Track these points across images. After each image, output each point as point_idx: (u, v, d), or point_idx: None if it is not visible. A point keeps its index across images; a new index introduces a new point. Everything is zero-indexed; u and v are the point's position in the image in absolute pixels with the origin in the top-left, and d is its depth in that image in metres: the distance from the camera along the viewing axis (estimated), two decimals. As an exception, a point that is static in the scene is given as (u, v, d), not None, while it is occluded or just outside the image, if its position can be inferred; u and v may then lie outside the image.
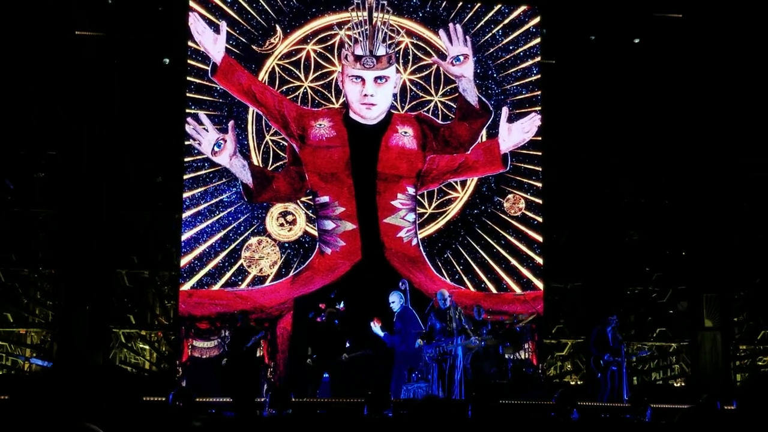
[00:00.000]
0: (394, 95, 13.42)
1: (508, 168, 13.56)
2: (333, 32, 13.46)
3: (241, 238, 12.94)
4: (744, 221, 15.00)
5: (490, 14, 13.97)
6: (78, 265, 13.17)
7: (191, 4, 13.07)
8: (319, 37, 13.50)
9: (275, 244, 12.98)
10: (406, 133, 13.28)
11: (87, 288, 13.07)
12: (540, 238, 13.67)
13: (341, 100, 13.36)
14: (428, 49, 13.74)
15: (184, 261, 12.74)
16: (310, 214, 13.15)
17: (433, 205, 13.57)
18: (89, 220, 13.32)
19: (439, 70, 13.68)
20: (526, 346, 13.30)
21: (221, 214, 12.91)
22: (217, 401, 10.12)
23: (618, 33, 14.34)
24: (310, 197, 13.14)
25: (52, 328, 13.39)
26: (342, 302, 12.12)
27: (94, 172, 13.45)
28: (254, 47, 13.29)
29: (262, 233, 12.98)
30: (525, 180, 13.76)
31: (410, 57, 13.67)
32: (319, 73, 13.48)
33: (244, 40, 13.29)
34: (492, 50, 13.93)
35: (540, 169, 13.81)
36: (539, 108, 13.84)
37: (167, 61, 13.58)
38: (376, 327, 11.91)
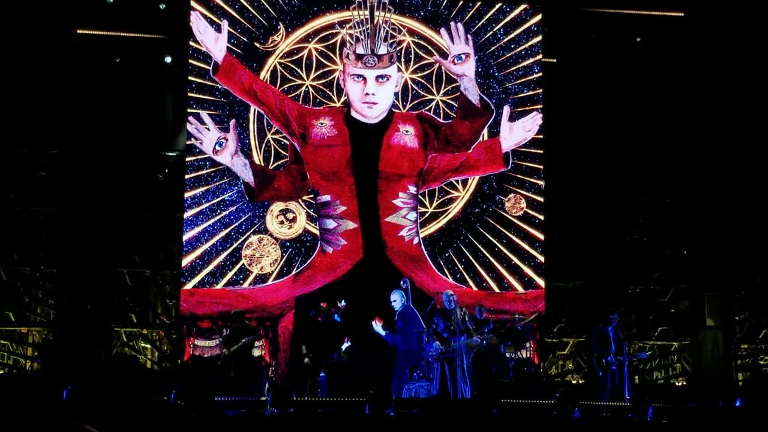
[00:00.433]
0: (396, 94, 13.42)
1: (509, 167, 13.56)
2: (334, 31, 13.46)
3: (243, 237, 12.95)
4: (745, 220, 14.99)
5: (491, 12, 13.96)
6: (79, 264, 13.18)
7: (192, 3, 13.08)
8: (321, 35, 13.50)
9: (276, 242, 12.98)
10: (407, 131, 13.28)
11: (88, 287, 13.09)
12: (542, 237, 13.67)
13: (343, 99, 13.36)
14: (430, 47, 13.74)
15: (186, 260, 12.75)
16: (312, 213, 13.15)
17: (434, 204, 13.56)
18: (91, 219, 13.34)
19: (440, 69, 13.67)
20: (528, 345, 13.30)
21: (223, 214, 12.92)
22: (218, 400, 10.11)
23: (619, 31, 14.32)
24: (312, 196, 13.15)
25: (54, 327, 13.40)
26: (343, 300, 12.11)
27: (95, 171, 13.46)
28: (257, 44, 13.29)
29: (262, 231, 12.99)
30: (526, 178, 13.75)
31: (412, 56, 13.67)
32: (321, 71, 13.48)
33: (245, 39, 13.29)
34: (493, 49, 13.92)
35: (541, 167, 13.81)
36: (540, 106, 13.83)
37: (169, 59, 13.58)
38: (377, 326, 11.90)
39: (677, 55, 14.41)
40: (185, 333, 12.72)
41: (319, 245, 13.05)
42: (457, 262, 13.38)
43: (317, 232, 13.11)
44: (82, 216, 13.31)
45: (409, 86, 13.64)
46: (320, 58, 13.49)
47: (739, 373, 14.80)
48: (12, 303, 13.42)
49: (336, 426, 6.83)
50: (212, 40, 12.93)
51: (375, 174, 13.12)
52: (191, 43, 13.04)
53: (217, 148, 12.77)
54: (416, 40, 13.72)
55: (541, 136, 13.76)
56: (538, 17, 14.10)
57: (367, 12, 13.25)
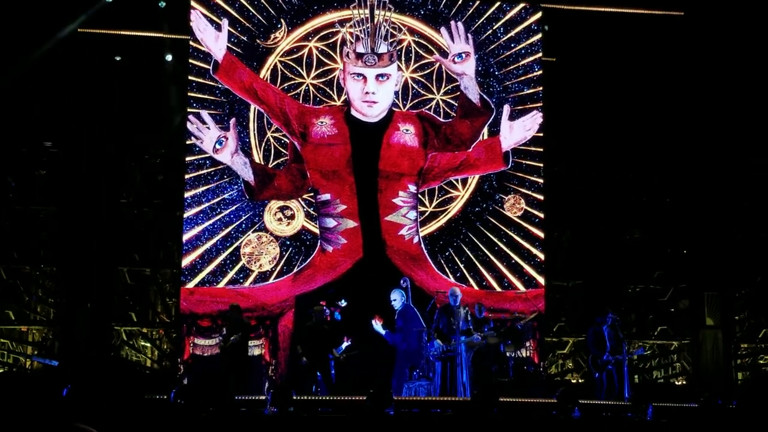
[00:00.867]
0: (396, 93, 13.41)
1: (509, 166, 13.56)
2: (335, 30, 13.45)
3: (244, 236, 12.95)
4: (745, 220, 14.99)
5: (491, 11, 13.96)
6: (79, 263, 13.18)
7: (193, 3, 13.07)
8: (321, 34, 13.50)
9: (274, 239, 12.99)
10: (407, 130, 13.27)
11: (88, 285, 13.09)
12: (542, 235, 13.69)
13: (343, 98, 13.36)
14: (430, 46, 13.73)
15: (187, 260, 12.75)
16: (312, 212, 13.15)
17: (434, 203, 13.56)
18: (91, 218, 13.33)
19: (440, 68, 13.67)
20: (528, 344, 13.30)
21: (223, 213, 12.91)
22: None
23: (619, 30, 14.31)
24: (312, 195, 13.14)
25: (54, 326, 13.40)
26: (343, 300, 12.10)
27: (95, 170, 13.45)
28: (258, 41, 13.29)
29: (261, 229, 12.99)
30: (527, 177, 13.75)
31: (412, 55, 13.66)
32: (321, 70, 13.48)
33: (246, 38, 13.28)
34: (493, 47, 13.92)
35: (541, 165, 13.81)
36: (541, 104, 13.83)
37: (170, 57, 13.58)
38: (377, 325, 11.90)
39: (677, 54, 14.40)
40: (185, 332, 12.72)
41: (319, 244, 13.05)
42: (457, 260, 13.38)
43: (317, 231, 13.10)
44: (82, 215, 13.30)
45: (410, 85, 13.63)
46: (320, 56, 13.49)
47: (739, 373, 14.81)
48: (12, 301, 13.41)
49: (336, 426, 6.83)
50: (212, 38, 12.92)
51: (375, 173, 13.11)
52: (191, 43, 13.04)
53: (217, 146, 12.77)
54: (416, 39, 13.71)
55: (541, 135, 13.76)
56: (538, 15, 14.10)
57: (367, 11, 13.25)
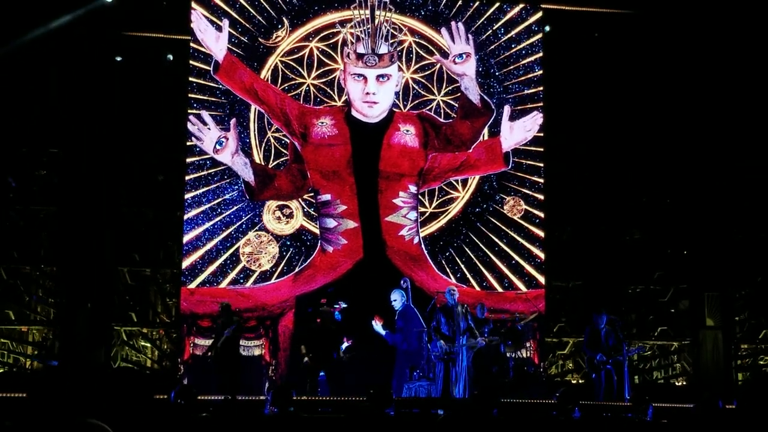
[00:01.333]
0: (396, 94, 13.42)
1: (509, 166, 13.57)
2: (336, 30, 13.46)
3: (244, 237, 12.96)
4: (745, 220, 14.98)
5: (491, 11, 13.97)
6: (79, 263, 13.17)
7: (193, 4, 13.07)
8: (322, 34, 13.50)
9: (273, 239, 12.99)
10: (408, 131, 13.29)
11: (89, 285, 13.08)
12: (542, 233, 13.69)
13: (343, 98, 13.36)
14: (430, 47, 13.74)
15: (188, 261, 12.76)
16: (312, 212, 13.15)
17: (434, 204, 13.57)
18: (91, 218, 13.33)
19: (441, 69, 13.67)
20: (528, 344, 13.31)
21: (224, 214, 12.92)
22: (219, 398, 10.13)
23: (620, 30, 14.31)
24: (312, 195, 13.15)
25: (54, 326, 13.40)
26: (341, 302, 12.11)
27: (95, 170, 13.45)
28: (261, 39, 13.30)
29: (260, 229, 13.00)
30: (527, 176, 13.77)
31: (413, 55, 13.67)
32: (322, 70, 13.49)
33: (246, 38, 13.29)
34: (493, 47, 13.93)
35: (542, 165, 13.82)
36: (541, 104, 13.84)
37: (171, 57, 13.58)
38: (377, 325, 11.91)
39: (678, 54, 14.39)
40: (185, 332, 12.73)
41: (319, 244, 13.06)
42: (457, 261, 13.39)
43: (317, 231, 13.11)
44: (82, 215, 13.30)
45: (410, 86, 13.64)
46: (321, 57, 13.50)
47: (739, 373, 14.80)
48: (12, 302, 13.41)
49: (336, 426, 6.83)
50: (213, 39, 12.94)
51: (375, 173, 13.12)
52: (192, 44, 13.05)
53: (218, 147, 12.79)
54: (417, 40, 13.72)
55: (542, 134, 13.76)
56: (538, 15, 14.10)
57: (367, 11, 13.27)
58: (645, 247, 14.87)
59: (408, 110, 13.55)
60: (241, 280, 12.86)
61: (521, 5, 14.04)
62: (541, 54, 14.06)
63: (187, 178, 12.95)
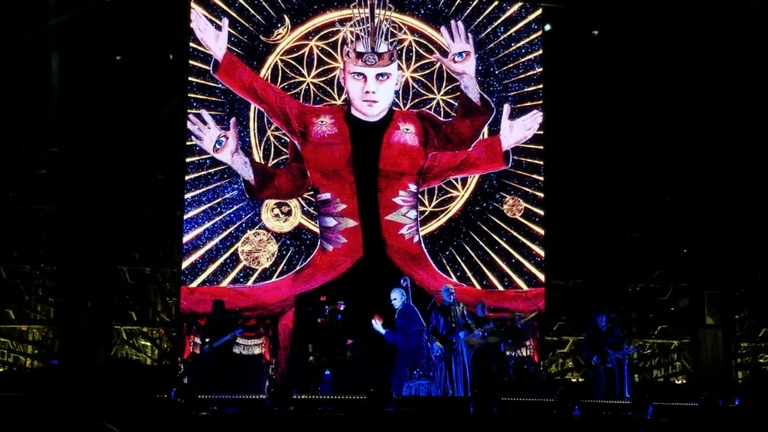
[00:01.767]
0: (396, 92, 13.42)
1: (509, 165, 13.58)
2: (335, 29, 13.46)
3: (244, 236, 12.96)
4: (745, 219, 14.98)
5: (490, 9, 13.97)
6: (79, 262, 13.16)
7: (192, 4, 13.06)
8: (322, 33, 13.50)
9: (271, 235, 13.00)
10: (407, 130, 13.29)
11: (88, 285, 13.08)
12: (542, 231, 13.70)
13: (343, 97, 13.36)
14: (430, 46, 13.74)
15: (189, 261, 12.75)
16: (311, 210, 13.15)
17: (434, 203, 13.57)
18: (91, 217, 13.32)
19: (441, 68, 13.68)
20: (528, 343, 13.32)
21: (224, 213, 12.92)
22: (219, 398, 10.13)
23: (621, 27, 14.31)
24: (312, 194, 13.15)
25: (54, 325, 13.40)
26: (340, 302, 12.11)
27: (95, 169, 13.44)
28: (262, 37, 13.30)
29: (259, 227, 13.00)
30: (527, 175, 13.77)
31: (412, 54, 13.67)
32: (322, 69, 13.48)
33: (246, 37, 13.28)
34: (493, 45, 13.93)
35: (542, 163, 13.83)
36: (541, 102, 13.83)
37: (171, 56, 13.57)
38: (377, 324, 11.90)
39: (678, 52, 14.38)
40: (185, 331, 12.73)
41: (319, 243, 13.06)
42: (458, 259, 13.39)
43: (316, 229, 13.11)
44: (82, 214, 13.29)
45: (410, 85, 13.64)
46: (321, 55, 13.50)
47: (739, 372, 14.81)
48: (12, 301, 13.41)
49: (336, 425, 6.83)
50: (212, 38, 12.93)
51: (375, 172, 13.13)
52: (191, 43, 13.04)
53: (217, 146, 12.78)
54: (417, 39, 13.72)
55: (542, 133, 13.76)
56: (538, 13, 14.11)
57: (367, 10, 13.27)
58: (645, 246, 14.88)
59: (408, 109, 13.55)
60: (242, 279, 12.86)
61: (520, 3, 14.04)
62: (540, 52, 14.07)
63: (186, 177, 12.95)
